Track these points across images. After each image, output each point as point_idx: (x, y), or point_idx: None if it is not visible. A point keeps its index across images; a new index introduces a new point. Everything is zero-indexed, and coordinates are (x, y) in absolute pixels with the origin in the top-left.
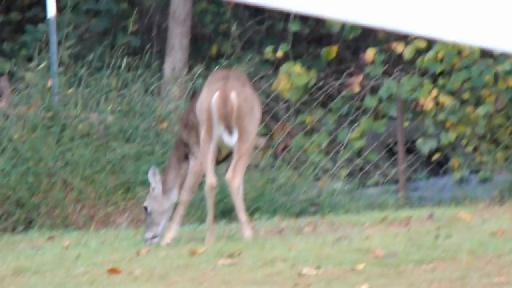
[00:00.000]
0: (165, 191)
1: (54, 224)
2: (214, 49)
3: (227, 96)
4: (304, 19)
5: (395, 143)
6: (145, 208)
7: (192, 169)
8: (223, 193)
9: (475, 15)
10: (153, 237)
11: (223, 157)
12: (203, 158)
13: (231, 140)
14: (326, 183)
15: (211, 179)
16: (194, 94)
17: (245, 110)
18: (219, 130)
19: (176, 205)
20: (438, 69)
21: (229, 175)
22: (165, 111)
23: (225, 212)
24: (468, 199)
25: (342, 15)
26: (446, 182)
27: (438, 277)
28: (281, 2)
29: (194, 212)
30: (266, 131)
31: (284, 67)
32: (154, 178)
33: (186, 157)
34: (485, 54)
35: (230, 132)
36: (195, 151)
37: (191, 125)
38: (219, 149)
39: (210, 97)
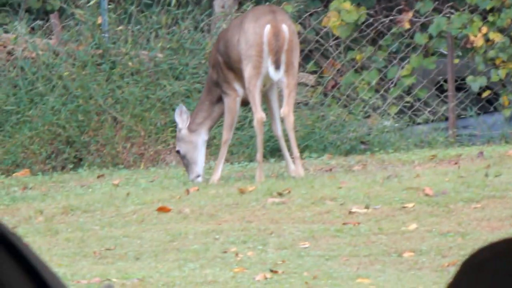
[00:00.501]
0: (193, 129)
1: (104, 162)
2: None
3: (279, 29)
4: None
5: (445, 81)
6: (178, 152)
7: (227, 107)
8: (272, 131)
9: None
10: (197, 176)
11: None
12: (251, 94)
13: (277, 75)
14: (376, 121)
15: (260, 113)
16: None
17: (294, 44)
18: (266, 64)
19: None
20: (488, 5)
21: (284, 110)
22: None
23: (274, 150)
24: None
25: None
26: (496, 119)
27: (487, 215)
28: None
29: (244, 150)
30: (316, 68)
31: (334, 4)
32: (180, 118)
33: (218, 99)
34: None
35: (277, 66)
36: (226, 89)
37: (218, 65)
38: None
39: (260, 31)
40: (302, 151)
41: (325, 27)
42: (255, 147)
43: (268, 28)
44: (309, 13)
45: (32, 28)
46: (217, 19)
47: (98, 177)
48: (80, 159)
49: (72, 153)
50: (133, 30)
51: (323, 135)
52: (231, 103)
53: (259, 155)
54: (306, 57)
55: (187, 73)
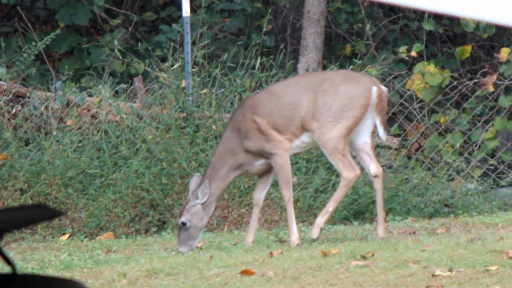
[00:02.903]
0: (206, 204)
1: None
2: (348, 49)
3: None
4: (438, 18)
5: None
6: (183, 224)
7: (280, 166)
8: (355, 194)
9: None
10: (189, 250)
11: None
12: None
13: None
14: (460, 183)
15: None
16: None
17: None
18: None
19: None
20: None
21: (378, 170)
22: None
23: (358, 213)
24: None
25: (476, 13)
26: None
27: None
28: (415, 1)
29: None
30: (400, 131)
31: (417, 67)
32: (202, 192)
33: (239, 166)
34: None
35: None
36: (272, 149)
37: (253, 130)
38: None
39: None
40: (385, 214)
41: (409, 90)
42: (338, 209)
43: (375, 89)
44: (393, 76)
45: (116, 92)
46: None
47: None
48: (164, 222)
49: (156, 216)
50: (217, 93)
51: (406, 198)
52: (281, 160)
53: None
54: (390, 120)
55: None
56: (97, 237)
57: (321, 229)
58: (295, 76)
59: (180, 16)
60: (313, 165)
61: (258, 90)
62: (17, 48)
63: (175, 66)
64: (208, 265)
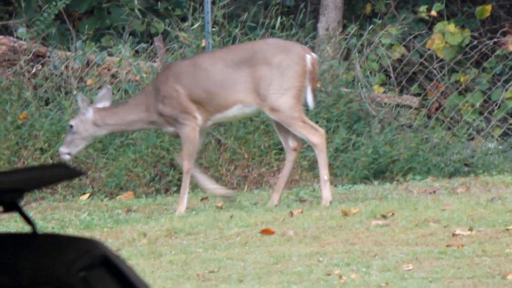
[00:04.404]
0: (98, 125)
1: None
2: (368, 8)
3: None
4: None
5: None
6: (71, 126)
7: (187, 137)
8: (375, 153)
9: None
10: (68, 154)
11: None
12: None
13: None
14: (480, 143)
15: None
16: (348, 53)
17: None
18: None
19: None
20: None
21: (298, 145)
22: (319, 71)
23: (378, 172)
24: None
25: None
26: None
27: None
28: None
29: (348, 172)
30: (420, 90)
31: (438, 26)
32: (82, 104)
33: (150, 122)
34: None
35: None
36: (184, 120)
37: (171, 97)
38: None
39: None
40: (405, 173)
41: (429, 49)
42: (358, 170)
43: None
44: (413, 35)
45: (136, 51)
46: (321, 41)
47: (202, 199)
48: None
49: (176, 175)
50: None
51: (426, 157)
52: (191, 132)
53: (326, 173)
54: (410, 79)
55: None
56: (117, 197)
57: (331, 202)
58: (221, 50)
59: None
60: (334, 125)
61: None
62: (37, 8)
63: (195, 26)
64: (228, 225)
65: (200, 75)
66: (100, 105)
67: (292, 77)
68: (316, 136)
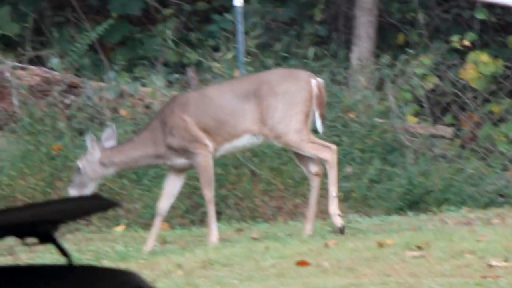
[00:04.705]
0: (105, 165)
1: (242, 216)
2: (400, 38)
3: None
4: (490, 7)
5: None
6: (78, 168)
7: (202, 166)
8: (410, 184)
9: None
10: (76, 190)
11: None
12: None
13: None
14: None
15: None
16: (381, 84)
17: None
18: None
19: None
20: None
21: (319, 169)
22: (352, 101)
23: (412, 203)
24: None
25: None
26: None
27: None
28: None
29: (382, 203)
30: (453, 121)
31: (470, 56)
32: (91, 144)
33: (157, 157)
34: None
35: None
36: (195, 149)
37: (179, 128)
38: None
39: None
40: (440, 204)
41: (462, 79)
42: (392, 201)
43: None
44: (446, 65)
45: (169, 82)
46: (354, 71)
47: (237, 230)
48: (219, 213)
49: None
50: None
51: (461, 188)
52: (205, 161)
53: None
54: (443, 110)
55: (325, 126)
56: None
57: (339, 215)
58: (229, 81)
59: (233, 6)
60: (368, 155)
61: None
62: (70, 38)
63: (227, 56)
64: (264, 256)
65: (208, 104)
66: (107, 144)
67: (298, 103)
68: (327, 152)
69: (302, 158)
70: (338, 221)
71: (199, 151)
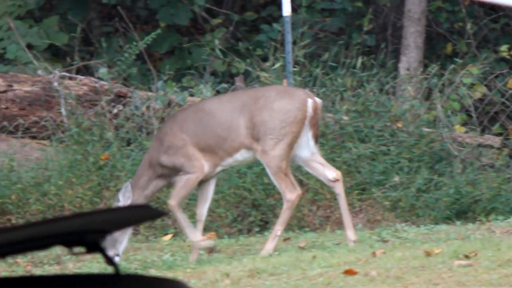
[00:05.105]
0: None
1: (290, 225)
2: (449, 48)
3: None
4: None
5: None
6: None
7: (186, 182)
8: (457, 193)
9: None
10: (116, 255)
11: None
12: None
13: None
14: None
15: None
16: (429, 93)
17: None
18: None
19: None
20: None
21: (337, 174)
22: (400, 111)
23: (460, 213)
24: None
25: None
26: None
27: None
28: None
29: (430, 212)
30: (501, 130)
31: None
32: (124, 195)
33: (159, 176)
34: None
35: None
36: (190, 168)
37: (176, 146)
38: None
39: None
40: (488, 213)
41: (510, 88)
42: (440, 210)
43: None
44: (494, 75)
45: (217, 91)
46: (402, 81)
47: (284, 240)
48: (266, 222)
49: (258, 216)
50: (318, 92)
51: (509, 197)
52: (193, 182)
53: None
54: (491, 119)
55: (373, 136)
56: None
57: (270, 255)
58: (229, 94)
59: (281, 16)
60: (415, 165)
61: (359, 90)
62: (118, 48)
63: (276, 66)
64: (311, 265)
65: (206, 120)
66: (128, 200)
67: (291, 122)
68: (292, 193)
69: (315, 168)
70: (268, 253)
71: (193, 170)
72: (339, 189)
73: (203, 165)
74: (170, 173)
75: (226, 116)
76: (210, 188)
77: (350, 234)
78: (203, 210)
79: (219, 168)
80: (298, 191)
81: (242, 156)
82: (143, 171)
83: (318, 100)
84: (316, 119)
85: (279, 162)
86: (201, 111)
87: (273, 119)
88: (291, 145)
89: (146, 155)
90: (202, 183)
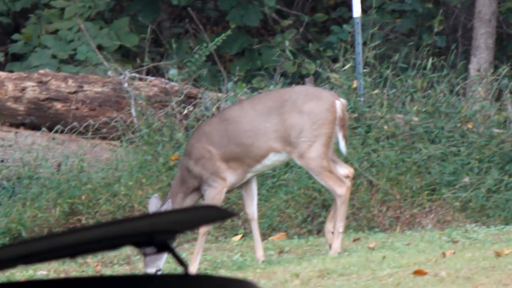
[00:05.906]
0: None
1: (360, 226)
2: None
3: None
4: None
5: None
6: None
7: (212, 199)
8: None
9: None
10: (158, 271)
11: None
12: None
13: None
14: None
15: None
16: (500, 94)
17: None
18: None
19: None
20: None
21: (349, 171)
22: (471, 112)
23: None
24: None
25: None
26: None
27: None
28: None
29: (500, 213)
30: None
31: None
32: (154, 208)
33: (193, 190)
34: None
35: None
36: (212, 181)
37: (203, 158)
38: None
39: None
40: None
41: None
42: (510, 209)
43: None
44: None
45: None
46: (472, 82)
47: (354, 240)
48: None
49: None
50: (388, 93)
51: None
52: (218, 195)
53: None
54: None
55: (443, 137)
56: (270, 238)
57: (340, 253)
58: (250, 99)
59: (351, 17)
60: (486, 165)
61: (429, 91)
62: (188, 49)
63: (346, 67)
64: (381, 266)
65: (231, 130)
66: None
67: (323, 124)
68: (342, 188)
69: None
70: (336, 252)
71: (215, 185)
72: (348, 185)
73: (226, 178)
74: (199, 184)
75: (251, 123)
76: (253, 186)
77: (329, 226)
78: (252, 208)
79: (249, 175)
80: (347, 183)
81: (270, 160)
82: (177, 189)
83: (343, 101)
84: (344, 120)
85: (319, 162)
86: (224, 122)
87: (304, 121)
88: (327, 145)
89: (177, 173)
90: (243, 184)
